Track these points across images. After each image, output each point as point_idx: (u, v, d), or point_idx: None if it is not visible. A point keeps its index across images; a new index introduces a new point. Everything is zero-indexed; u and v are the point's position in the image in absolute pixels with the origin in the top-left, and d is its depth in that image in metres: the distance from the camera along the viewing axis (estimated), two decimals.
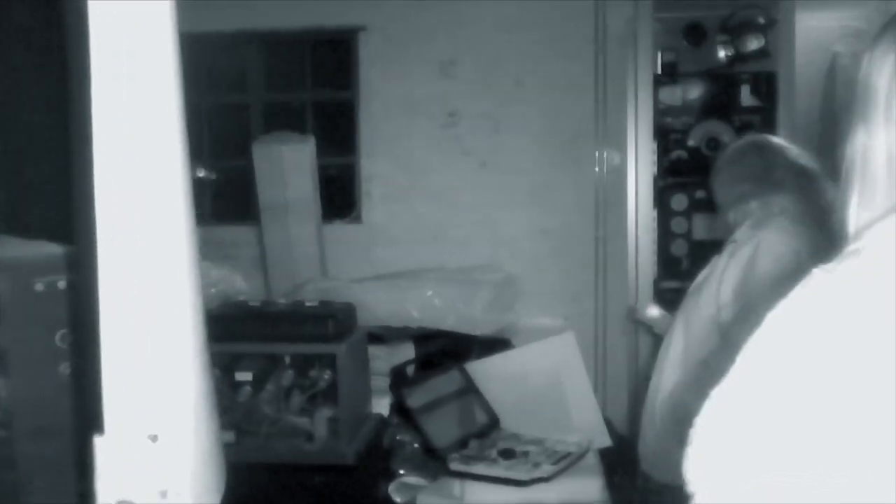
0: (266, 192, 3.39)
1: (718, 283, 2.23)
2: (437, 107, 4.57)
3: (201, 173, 4.77)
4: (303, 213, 3.39)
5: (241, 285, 2.41)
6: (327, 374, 2.27)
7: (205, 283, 2.45)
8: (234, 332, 2.21)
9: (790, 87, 3.88)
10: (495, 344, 3.05)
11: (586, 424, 2.90)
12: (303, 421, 2.29)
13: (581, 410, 2.92)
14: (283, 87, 4.86)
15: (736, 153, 2.41)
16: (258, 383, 2.29)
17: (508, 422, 2.87)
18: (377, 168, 4.65)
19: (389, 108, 4.60)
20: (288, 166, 3.30)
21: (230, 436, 2.24)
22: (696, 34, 3.96)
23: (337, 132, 4.80)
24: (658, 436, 2.31)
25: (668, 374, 2.33)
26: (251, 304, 2.27)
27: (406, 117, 4.59)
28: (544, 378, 2.95)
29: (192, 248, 0.92)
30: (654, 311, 2.80)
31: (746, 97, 3.99)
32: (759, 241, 2.16)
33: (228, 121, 4.86)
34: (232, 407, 2.27)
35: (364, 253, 4.64)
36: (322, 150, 4.69)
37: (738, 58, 3.86)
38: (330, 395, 2.28)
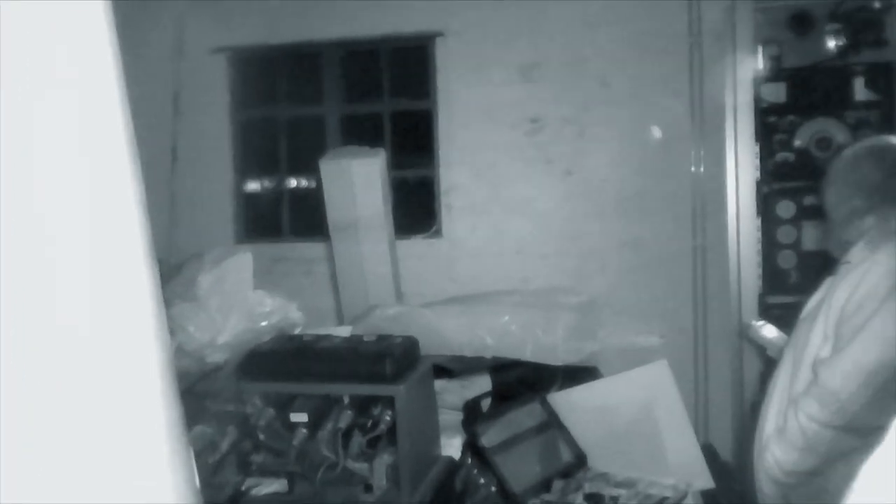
0: (335, 209, 3.20)
1: (827, 311, 1.90)
2: (518, 113, 4.32)
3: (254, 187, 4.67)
4: (374, 230, 3.19)
5: (296, 315, 2.23)
6: (389, 415, 2.06)
7: (258, 314, 2.29)
8: (285, 370, 2.02)
9: None
10: (581, 373, 2.77)
11: (684, 463, 2.59)
12: (362, 467, 2.07)
13: (678, 447, 2.60)
14: (359, 97, 4.70)
15: (850, 160, 2.05)
16: (314, 424, 2.09)
17: (596, 459, 2.60)
18: (457, 179, 4.44)
19: (468, 115, 4.38)
20: (357, 182, 3.11)
21: (282, 484, 2.06)
22: (801, 24, 3.57)
23: (416, 142, 4.61)
24: (765, 487, 2.00)
25: (772, 416, 2.01)
26: (305, 338, 2.08)
27: (486, 125, 4.36)
28: (636, 411, 2.65)
29: (152, 288, 0.68)
30: (769, 332, 2.46)
31: (861, 91, 3.58)
32: (870, 264, 1.82)
33: (306, 133, 4.74)
34: (286, 451, 2.08)
35: (445, 268, 4.44)
36: (401, 162, 4.54)
37: (851, 48, 3.46)
38: (393, 436, 2.06)
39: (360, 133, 4.59)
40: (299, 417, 2.08)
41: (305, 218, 4.62)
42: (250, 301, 2.18)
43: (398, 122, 4.61)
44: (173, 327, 2.23)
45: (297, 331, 2.25)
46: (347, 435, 2.08)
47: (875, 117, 3.54)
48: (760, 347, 2.74)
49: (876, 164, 1.98)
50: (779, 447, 1.89)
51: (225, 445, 2.13)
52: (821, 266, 3.65)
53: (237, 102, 4.71)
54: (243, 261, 2.21)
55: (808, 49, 3.57)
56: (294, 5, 4.46)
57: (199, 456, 2.13)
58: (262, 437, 2.10)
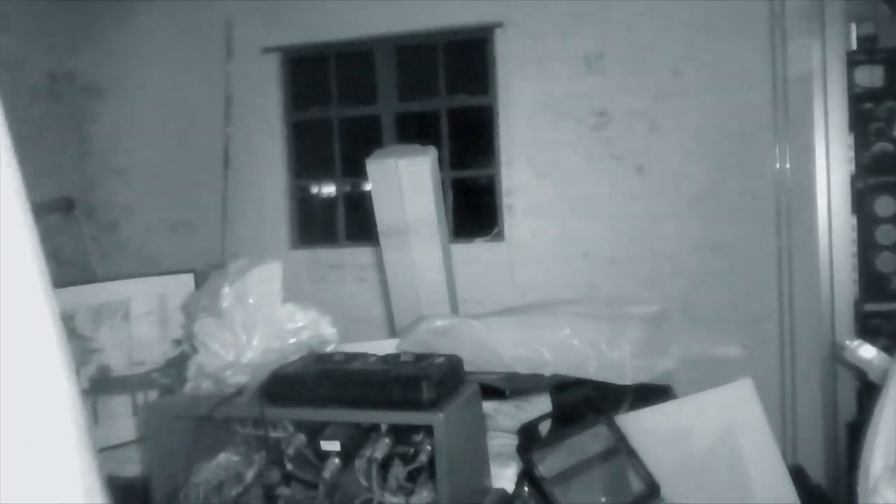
0: (383, 212, 2.98)
1: None
2: (583, 107, 4.04)
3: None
4: (424, 234, 2.95)
5: (329, 332, 2.00)
6: (431, 443, 1.81)
7: (286, 331, 2.08)
8: (311, 395, 1.80)
9: None
10: (653, 392, 2.48)
11: (772, 495, 2.28)
12: (401, 502, 1.84)
13: (764, 478, 2.30)
14: (415, 94, 4.48)
15: None
16: (348, 453, 1.86)
17: (671, 490, 2.31)
18: (519, 178, 4.18)
19: (530, 111, 4.12)
20: (405, 183, 2.88)
21: None
22: None
23: (476, 141, 4.36)
24: None
25: (880, 452, 1.68)
26: (335, 358, 1.85)
27: (549, 120, 4.09)
28: (717, 435, 2.35)
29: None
30: (867, 352, 2.11)
31: None
32: None
33: (361, 134, 4.55)
34: (316, 483, 1.86)
35: (506, 273, 4.19)
36: (460, 162, 4.31)
37: None
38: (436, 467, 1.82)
39: (417, 132, 4.38)
40: (331, 446, 1.86)
41: (361, 222, 4.43)
42: (278, 316, 1.96)
43: (456, 119, 4.38)
44: (196, 344, 2.03)
45: (329, 348, 2.02)
46: (385, 465, 1.85)
47: None
48: (859, 370, 2.37)
49: None
50: (892, 491, 1.57)
51: (250, 475, 1.93)
52: None
53: (289, 103, 4.55)
54: (271, 271, 2.00)
55: None
56: (344, 1, 4.27)
57: (223, 487, 1.93)
58: (290, 466, 1.88)
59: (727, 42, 3.79)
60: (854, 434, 3.41)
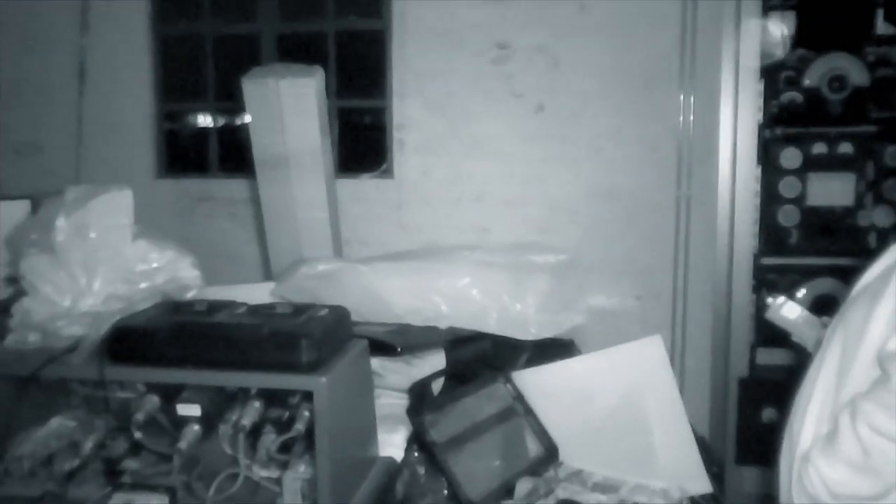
0: (261, 140, 2.64)
1: None
2: (483, 38, 3.76)
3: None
4: (308, 167, 2.63)
5: (190, 275, 1.68)
6: (309, 409, 1.54)
7: (137, 273, 1.73)
8: (166, 353, 1.48)
9: None
10: (554, 347, 2.28)
11: (677, 464, 2.13)
12: (273, 477, 1.56)
13: (671, 444, 2.14)
14: (300, 14, 4.08)
15: None
16: (211, 419, 1.56)
17: (571, 453, 2.14)
18: (411, 112, 3.88)
19: (426, 39, 3.81)
20: (287, 106, 2.54)
21: (161, 501, 1.53)
22: None
23: (366, 68, 4.02)
24: None
25: (811, 424, 1.51)
26: (196, 308, 1.53)
27: (446, 51, 3.80)
28: (621, 396, 2.18)
29: None
30: (791, 312, 1.94)
31: (882, 24, 3.11)
32: None
33: (237, 55, 4.11)
34: (170, 455, 1.55)
35: (395, 214, 3.92)
36: (347, 91, 3.97)
37: None
38: (314, 437, 1.55)
39: (301, 56, 3.98)
40: (190, 410, 1.55)
41: (236, 151, 4.03)
42: (127, 255, 1.62)
43: (345, 44, 4.01)
44: (25, 287, 1.66)
45: (189, 294, 1.70)
46: (255, 433, 1.57)
47: None
48: (783, 331, 2.19)
49: None
50: (826, 461, 1.40)
51: (89, 446, 1.60)
52: (827, 225, 3.24)
53: (159, 15, 4.05)
54: (119, 200, 1.65)
55: None
56: None
57: (54, 460, 1.60)
58: (139, 434, 1.57)
59: None
60: (745, 390, 3.37)
